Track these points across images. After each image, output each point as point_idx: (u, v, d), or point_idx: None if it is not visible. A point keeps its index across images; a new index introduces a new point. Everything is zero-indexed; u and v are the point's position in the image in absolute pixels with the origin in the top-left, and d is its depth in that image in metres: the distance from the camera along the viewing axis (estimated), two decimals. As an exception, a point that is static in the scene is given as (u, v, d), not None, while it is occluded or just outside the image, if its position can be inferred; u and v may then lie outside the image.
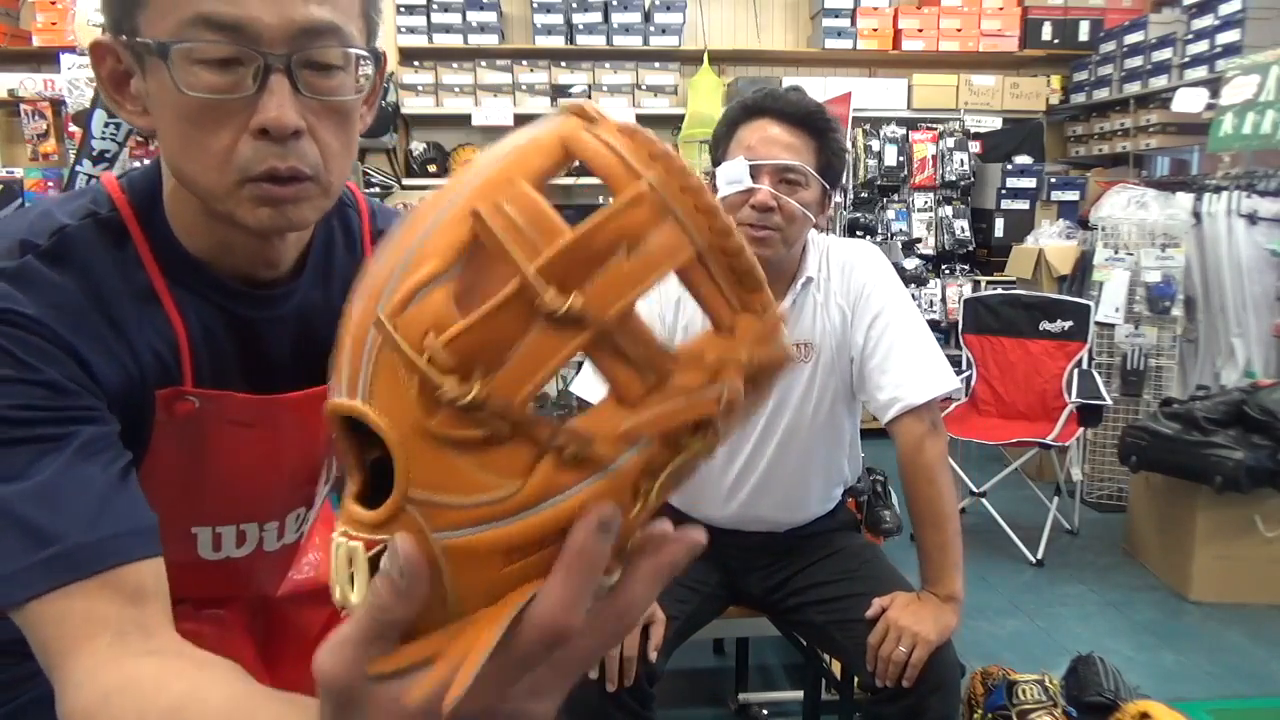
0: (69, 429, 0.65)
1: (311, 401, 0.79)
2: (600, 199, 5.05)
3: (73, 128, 4.15)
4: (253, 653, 0.98)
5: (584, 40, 5.24)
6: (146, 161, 0.83)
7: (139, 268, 0.74)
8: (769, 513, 1.69)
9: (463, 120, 5.25)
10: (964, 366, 3.81)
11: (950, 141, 5.15)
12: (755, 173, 1.48)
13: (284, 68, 0.65)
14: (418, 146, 5.26)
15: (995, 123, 5.37)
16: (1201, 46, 4.51)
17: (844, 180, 3.17)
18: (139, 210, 0.75)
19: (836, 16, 5.36)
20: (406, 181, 5.14)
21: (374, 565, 0.40)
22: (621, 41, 5.25)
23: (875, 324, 1.58)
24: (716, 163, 1.58)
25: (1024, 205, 5.13)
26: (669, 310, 1.62)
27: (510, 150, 0.40)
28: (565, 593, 0.38)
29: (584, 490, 0.39)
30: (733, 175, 1.49)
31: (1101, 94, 5.28)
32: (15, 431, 0.63)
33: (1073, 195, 5.14)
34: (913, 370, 1.55)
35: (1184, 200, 3.82)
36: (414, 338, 0.38)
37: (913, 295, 4.91)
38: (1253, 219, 3.64)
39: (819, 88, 5.12)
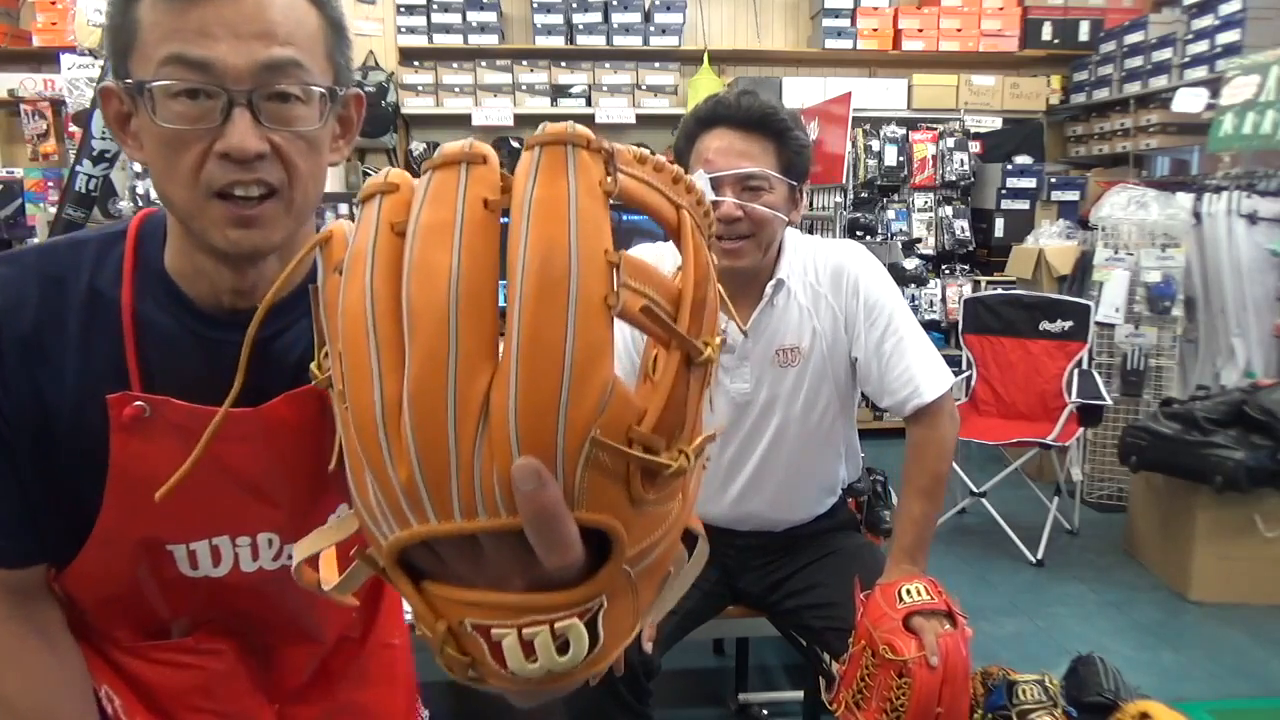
0: None
1: (255, 418, 0.79)
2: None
3: (73, 128, 4.15)
4: (251, 687, 0.97)
5: (584, 40, 5.24)
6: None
7: (114, 280, 0.81)
8: (760, 510, 1.69)
9: (463, 120, 5.25)
10: (964, 366, 3.80)
11: (950, 141, 5.15)
12: (717, 185, 1.49)
13: (246, 102, 0.73)
14: (418, 146, 5.26)
15: (995, 123, 5.37)
16: (1201, 46, 4.50)
17: (844, 180, 3.16)
18: (141, 233, 0.84)
19: (836, 16, 5.36)
20: (406, 181, 5.14)
21: (590, 627, 0.44)
22: (621, 41, 5.25)
23: (878, 323, 1.58)
24: None
25: (1024, 205, 5.13)
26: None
27: (568, 220, 0.40)
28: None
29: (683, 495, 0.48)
30: None
31: (1101, 94, 5.28)
32: None
33: (1073, 195, 5.14)
34: (926, 365, 1.57)
35: (1184, 200, 3.82)
36: (620, 437, 0.41)
37: (913, 295, 4.93)
38: (1253, 219, 3.64)
39: (819, 88, 5.12)
